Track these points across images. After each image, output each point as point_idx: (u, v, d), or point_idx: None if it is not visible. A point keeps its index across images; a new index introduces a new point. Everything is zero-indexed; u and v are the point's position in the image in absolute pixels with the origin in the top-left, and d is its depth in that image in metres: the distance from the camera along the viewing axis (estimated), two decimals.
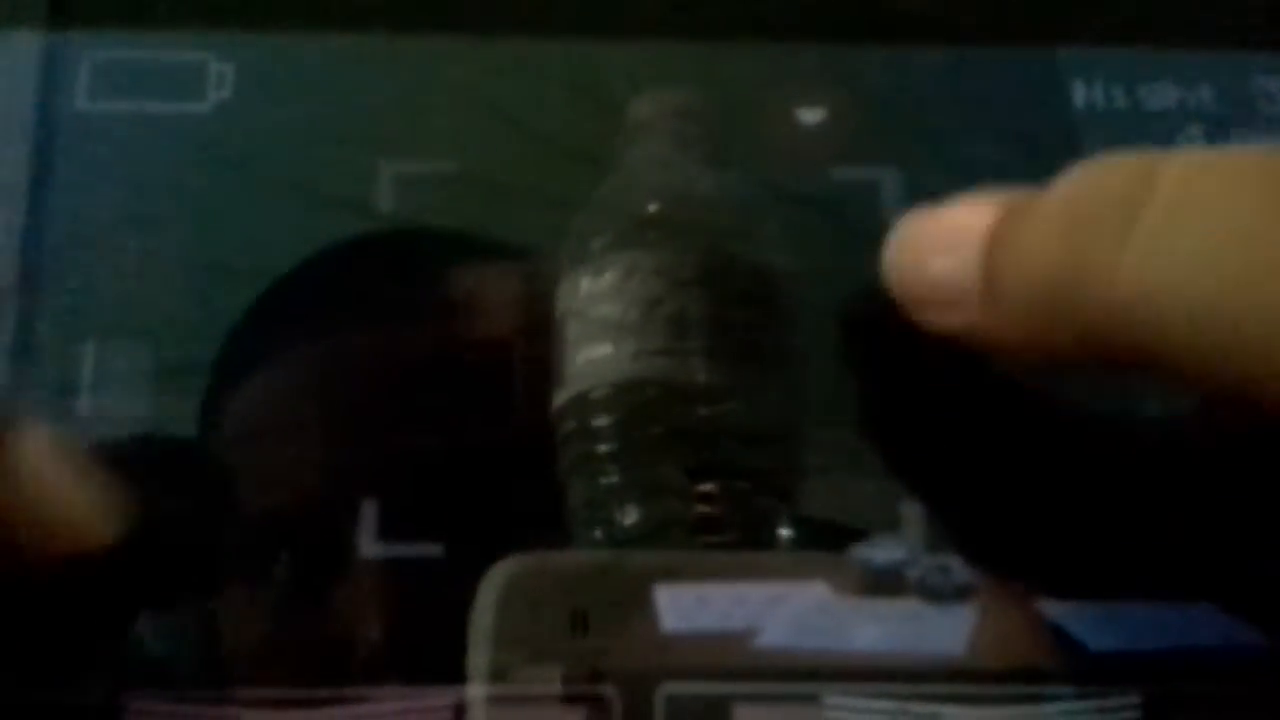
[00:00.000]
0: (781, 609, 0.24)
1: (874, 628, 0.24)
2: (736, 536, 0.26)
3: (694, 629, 0.23)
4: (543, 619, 0.24)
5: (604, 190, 0.29)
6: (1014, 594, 0.24)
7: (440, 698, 0.23)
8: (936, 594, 0.24)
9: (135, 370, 0.27)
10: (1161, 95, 0.30)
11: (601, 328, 0.26)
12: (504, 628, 0.23)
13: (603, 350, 0.26)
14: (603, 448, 0.26)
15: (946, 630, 0.24)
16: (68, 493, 0.20)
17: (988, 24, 0.31)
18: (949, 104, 0.31)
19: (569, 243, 0.28)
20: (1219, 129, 0.30)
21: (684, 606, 0.24)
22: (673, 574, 0.24)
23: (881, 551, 0.25)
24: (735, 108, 0.30)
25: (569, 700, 0.23)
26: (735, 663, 0.23)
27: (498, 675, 0.23)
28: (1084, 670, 0.23)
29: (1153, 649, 0.24)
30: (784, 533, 0.26)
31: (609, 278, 0.27)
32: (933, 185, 0.29)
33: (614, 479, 0.26)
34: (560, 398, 0.27)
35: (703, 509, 0.26)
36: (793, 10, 0.31)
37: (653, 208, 0.28)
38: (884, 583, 0.24)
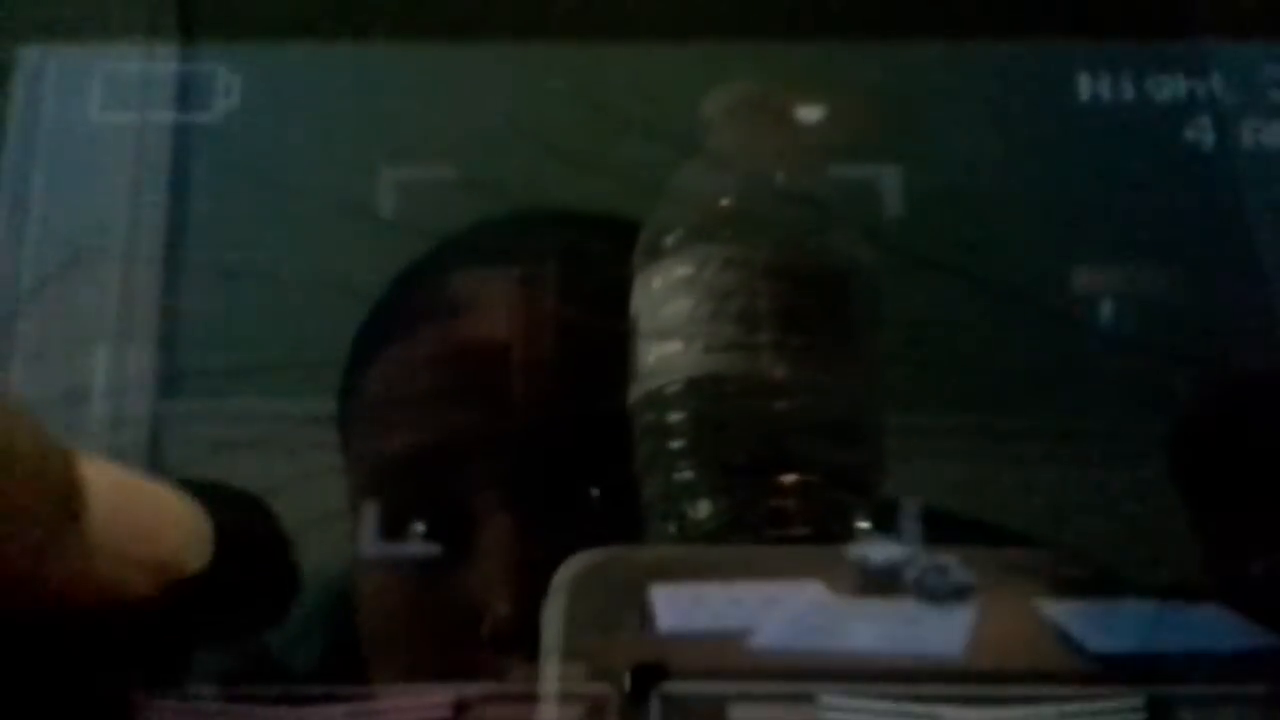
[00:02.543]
0: (777, 609, 0.23)
1: (870, 628, 0.23)
2: (811, 530, 0.26)
3: (690, 629, 0.23)
4: (612, 613, 0.24)
5: (676, 186, 0.29)
6: (1012, 595, 0.24)
7: (441, 695, 0.23)
8: (934, 594, 0.23)
9: (146, 374, 0.27)
10: (1169, 87, 0.30)
11: (674, 323, 0.27)
12: (575, 620, 0.23)
13: (675, 345, 0.26)
14: (676, 443, 0.26)
15: (943, 631, 0.23)
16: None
17: (992, 16, 0.30)
18: (953, 98, 0.30)
19: (642, 239, 0.28)
20: (1228, 120, 0.30)
21: (680, 606, 0.24)
22: (741, 569, 0.24)
23: (878, 551, 0.24)
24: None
25: (566, 699, 0.23)
26: (731, 663, 0.23)
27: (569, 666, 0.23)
28: (1083, 671, 0.23)
29: (1153, 650, 0.23)
30: (861, 526, 0.26)
31: (681, 272, 0.27)
32: (935, 181, 0.29)
33: (687, 474, 0.26)
34: (635, 393, 0.27)
35: (776, 503, 0.26)
36: (792, 5, 0.31)
37: (724, 202, 0.28)
38: (881, 583, 0.24)
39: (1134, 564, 0.25)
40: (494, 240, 0.30)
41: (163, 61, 0.29)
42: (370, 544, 0.26)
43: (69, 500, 0.19)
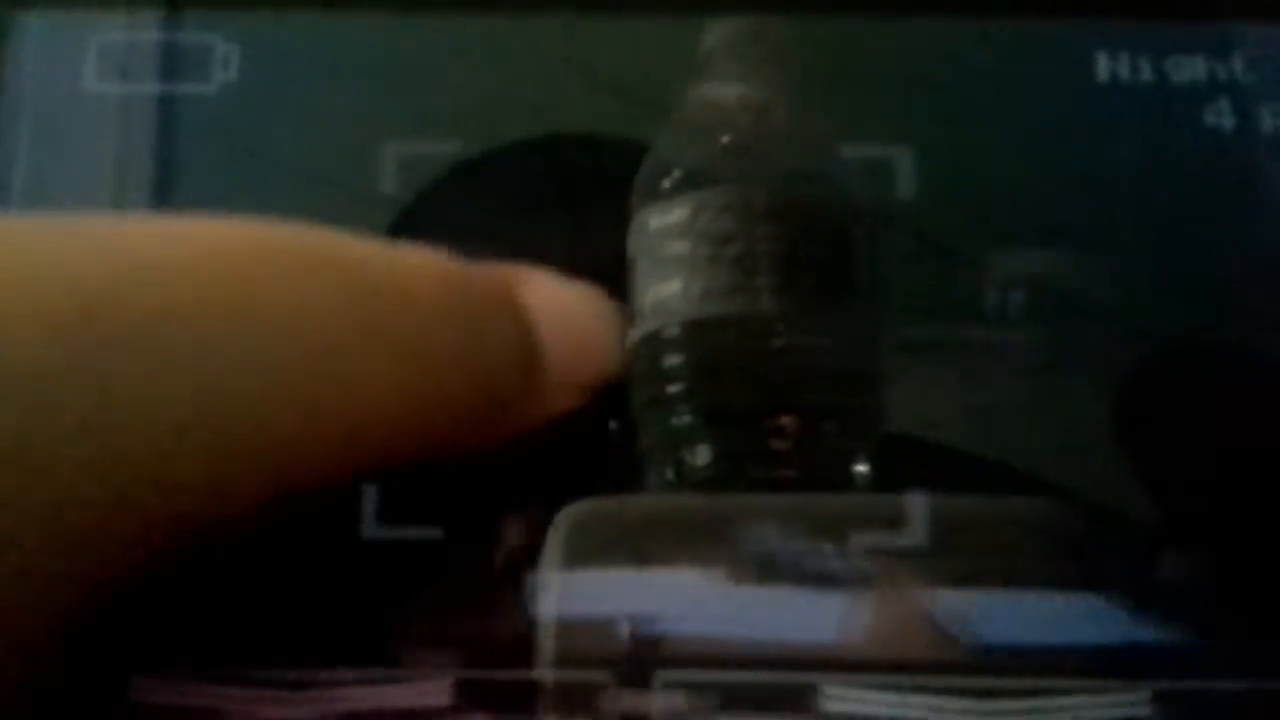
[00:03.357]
0: (658, 595, 0.23)
1: (749, 614, 0.23)
2: (809, 473, 0.25)
3: (574, 615, 0.23)
4: (607, 564, 0.23)
5: (673, 127, 0.28)
6: (895, 583, 0.23)
7: (439, 680, 0.23)
8: (814, 580, 0.23)
9: None
10: (1189, 68, 0.30)
11: (671, 266, 0.26)
12: (571, 577, 0.23)
13: (672, 288, 0.26)
14: (673, 387, 0.26)
15: (822, 618, 0.23)
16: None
17: None
18: (969, 78, 0.30)
19: (639, 181, 0.27)
20: (1249, 102, 0.29)
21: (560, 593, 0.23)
22: (736, 519, 0.24)
23: (759, 537, 0.24)
24: None
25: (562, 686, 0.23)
26: (608, 650, 0.23)
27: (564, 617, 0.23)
28: (958, 661, 0.22)
29: (1033, 642, 0.23)
30: (860, 470, 0.26)
31: (678, 214, 0.26)
32: (951, 162, 0.28)
33: (685, 419, 0.26)
34: (631, 337, 0.26)
35: (775, 444, 0.25)
36: None
37: (724, 141, 0.27)
38: (761, 569, 0.23)
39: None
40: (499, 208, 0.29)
41: (160, 32, 0.29)
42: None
43: (530, 361, 0.20)
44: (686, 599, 0.23)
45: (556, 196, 0.29)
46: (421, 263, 0.20)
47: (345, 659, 0.23)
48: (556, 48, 0.30)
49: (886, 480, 0.25)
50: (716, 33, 0.28)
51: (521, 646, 0.23)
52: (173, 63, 0.29)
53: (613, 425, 0.27)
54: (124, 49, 0.29)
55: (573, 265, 0.25)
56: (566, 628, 0.23)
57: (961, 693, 0.22)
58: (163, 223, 0.18)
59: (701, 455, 0.25)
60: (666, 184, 0.27)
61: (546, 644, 0.23)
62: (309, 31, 0.29)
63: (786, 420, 0.25)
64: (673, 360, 0.26)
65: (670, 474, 0.26)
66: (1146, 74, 0.28)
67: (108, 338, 0.16)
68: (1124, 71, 0.28)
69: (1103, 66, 0.28)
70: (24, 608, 0.16)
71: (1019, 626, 0.23)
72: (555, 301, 0.22)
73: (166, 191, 0.29)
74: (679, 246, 0.26)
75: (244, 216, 0.20)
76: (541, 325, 0.21)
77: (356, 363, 0.18)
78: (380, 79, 0.29)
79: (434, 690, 0.23)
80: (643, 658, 0.22)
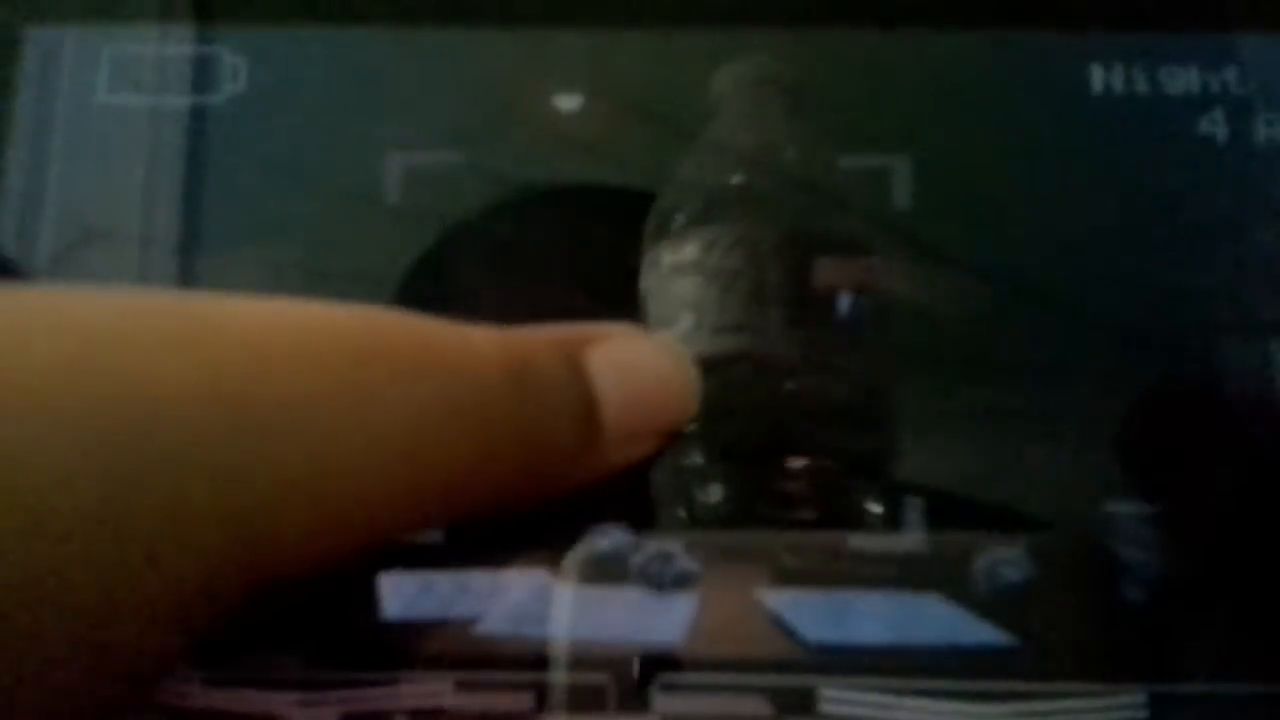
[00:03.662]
0: (502, 597, 0.24)
1: (593, 615, 0.23)
2: (822, 514, 0.25)
3: (416, 616, 0.23)
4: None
5: (686, 164, 0.28)
6: (735, 584, 0.24)
7: (440, 680, 0.23)
8: (657, 582, 0.24)
9: None
10: (1183, 78, 0.30)
11: (683, 302, 0.26)
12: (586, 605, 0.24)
13: (684, 325, 0.26)
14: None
15: (665, 619, 0.23)
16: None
17: (1005, 6, 0.30)
18: (965, 88, 0.30)
19: (651, 218, 0.28)
20: (1243, 113, 0.29)
21: (407, 594, 0.24)
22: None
23: (605, 539, 0.24)
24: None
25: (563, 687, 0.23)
26: (453, 650, 0.23)
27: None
28: (799, 661, 0.23)
29: (872, 642, 0.23)
30: (873, 509, 0.26)
31: (689, 252, 0.26)
32: (946, 172, 0.28)
33: (697, 458, 0.26)
34: None
35: (786, 486, 0.25)
36: None
37: (734, 180, 0.28)
38: (606, 570, 0.24)
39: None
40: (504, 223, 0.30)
41: (172, 44, 0.29)
42: None
43: (588, 421, 0.21)
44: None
45: (569, 237, 0.29)
46: (488, 342, 0.21)
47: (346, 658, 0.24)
48: (561, 60, 0.30)
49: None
50: (727, 75, 0.28)
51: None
52: (183, 75, 0.29)
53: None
54: (136, 62, 0.29)
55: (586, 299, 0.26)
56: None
57: (951, 696, 0.22)
58: (279, 309, 0.19)
59: (713, 493, 0.25)
60: (678, 221, 0.27)
61: None
62: (316, 45, 0.30)
63: (798, 459, 0.25)
64: None
65: (682, 512, 0.26)
66: (1142, 85, 0.29)
67: (242, 421, 0.17)
68: (1119, 83, 0.28)
69: (1098, 78, 0.29)
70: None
71: (852, 626, 0.23)
72: (627, 355, 0.23)
73: (178, 201, 0.29)
74: (690, 283, 0.26)
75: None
76: (610, 381, 0.22)
77: (431, 437, 0.20)
78: (386, 92, 0.30)
79: (434, 691, 0.23)
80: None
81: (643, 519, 0.25)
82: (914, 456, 0.26)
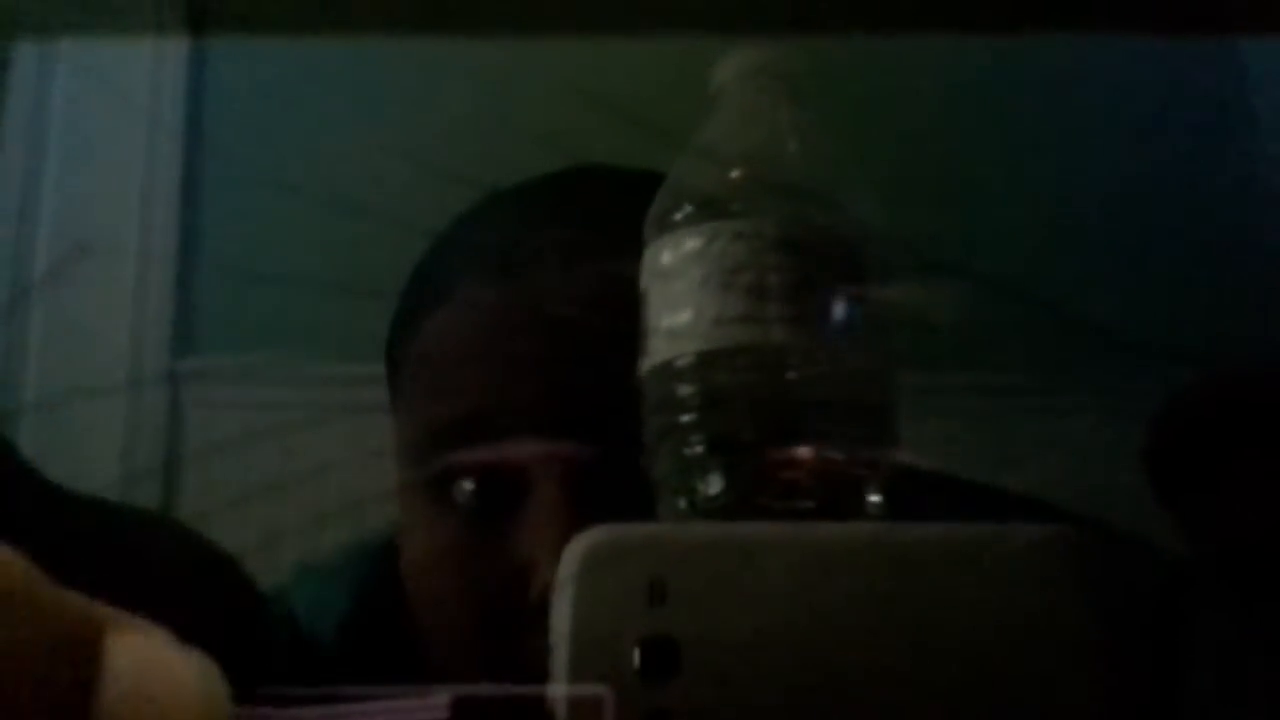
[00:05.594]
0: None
1: None
2: (821, 504, 0.25)
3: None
4: (621, 588, 0.23)
5: (686, 159, 0.28)
6: None
7: (438, 697, 0.23)
8: None
9: (159, 367, 0.27)
10: (1200, 82, 0.30)
11: (684, 296, 0.26)
12: (584, 596, 0.23)
13: (684, 318, 0.26)
14: (686, 417, 0.26)
15: None
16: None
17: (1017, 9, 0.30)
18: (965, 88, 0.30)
19: (652, 212, 0.28)
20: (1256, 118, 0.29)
21: None
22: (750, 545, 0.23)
23: None
24: None
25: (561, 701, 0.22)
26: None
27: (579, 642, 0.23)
28: None
29: None
30: (872, 499, 0.26)
31: (690, 245, 0.26)
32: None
33: (698, 449, 0.26)
34: (644, 367, 0.27)
35: (787, 476, 0.25)
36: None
37: (734, 174, 0.28)
38: None
39: None
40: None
41: (169, 56, 0.29)
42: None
43: (88, 675, 0.19)
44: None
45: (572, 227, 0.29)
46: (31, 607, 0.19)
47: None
48: (552, 69, 0.30)
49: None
50: (726, 67, 0.28)
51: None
52: (181, 86, 0.29)
53: None
54: (134, 73, 0.29)
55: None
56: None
57: None
58: None
59: (713, 484, 0.25)
60: (679, 216, 0.27)
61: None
62: (321, 55, 0.30)
63: (799, 449, 0.25)
64: (685, 390, 0.26)
65: (683, 503, 0.26)
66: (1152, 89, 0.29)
67: None
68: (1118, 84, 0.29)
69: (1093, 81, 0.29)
70: None
71: None
72: (143, 653, 0.20)
73: (175, 210, 0.29)
74: (691, 277, 0.26)
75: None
76: (119, 673, 0.19)
77: None
78: (379, 101, 0.30)
79: (432, 708, 0.23)
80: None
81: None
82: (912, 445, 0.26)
